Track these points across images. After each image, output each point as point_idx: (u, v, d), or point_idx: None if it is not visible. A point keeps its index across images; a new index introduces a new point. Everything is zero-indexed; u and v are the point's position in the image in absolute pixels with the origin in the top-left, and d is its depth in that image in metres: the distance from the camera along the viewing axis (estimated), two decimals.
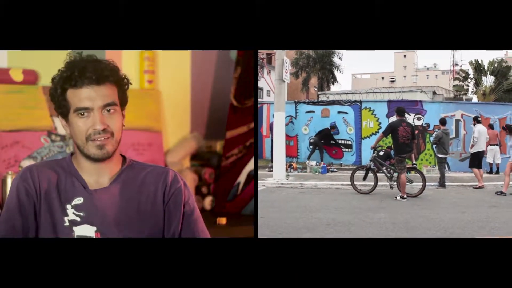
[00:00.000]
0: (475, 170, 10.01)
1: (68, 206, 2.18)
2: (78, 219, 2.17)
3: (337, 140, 14.00)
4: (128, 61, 4.16)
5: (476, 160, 10.15)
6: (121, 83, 2.22)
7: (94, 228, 2.18)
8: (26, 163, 3.73)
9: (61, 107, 2.17)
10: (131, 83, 2.29)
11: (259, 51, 15.79)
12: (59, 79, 2.15)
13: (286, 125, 12.61)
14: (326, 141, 13.71)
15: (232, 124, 4.09)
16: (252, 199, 3.96)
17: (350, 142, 13.98)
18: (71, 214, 2.17)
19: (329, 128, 13.73)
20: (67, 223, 2.17)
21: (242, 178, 4.02)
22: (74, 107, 2.12)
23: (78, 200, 2.19)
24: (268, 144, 13.67)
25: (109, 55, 4.04)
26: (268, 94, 30.59)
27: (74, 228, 2.17)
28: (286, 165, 11.82)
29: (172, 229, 2.29)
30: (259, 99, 21.88)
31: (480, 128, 10.47)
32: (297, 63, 36.29)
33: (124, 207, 2.23)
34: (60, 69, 2.17)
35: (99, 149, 2.14)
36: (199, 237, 2.35)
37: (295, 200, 8.20)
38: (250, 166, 4.00)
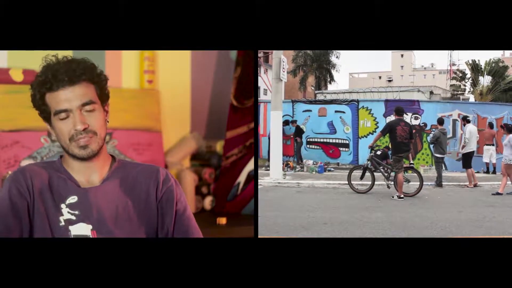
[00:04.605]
0: (469, 170, 10.05)
1: (63, 206, 2.18)
2: (73, 217, 2.18)
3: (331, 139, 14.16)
4: (128, 61, 4.16)
5: (468, 160, 10.19)
6: (97, 80, 2.23)
7: (90, 226, 2.19)
8: (26, 163, 3.72)
9: (42, 112, 2.19)
10: (108, 79, 2.30)
11: None
12: (36, 84, 2.16)
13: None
14: (300, 134, 13.85)
15: (232, 124, 4.10)
16: (252, 199, 3.98)
17: (347, 142, 14.02)
18: (66, 214, 2.17)
19: (294, 124, 13.88)
20: (62, 223, 2.16)
21: (242, 178, 4.03)
22: (53, 111, 2.14)
23: (72, 199, 2.19)
24: (265, 143, 13.68)
25: (109, 55, 4.04)
26: (265, 93, 30.55)
27: (70, 228, 2.17)
28: (283, 164, 11.84)
29: (165, 227, 2.30)
30: None
31: (471, 128, 10.50)
32: (296, 60, 36.24)
33: (118, 204, 2.24)
34: (37, 74, 2.18)
35: (83, 149, 2.15)
36: (193, 234, 2.37)
37: (292, 199, 8.22)
38: (250, 166, 4.02)
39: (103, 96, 2.26)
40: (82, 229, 2.18)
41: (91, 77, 2.20)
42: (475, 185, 9.85)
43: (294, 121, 14.05)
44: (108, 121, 2.28)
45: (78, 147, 2.15)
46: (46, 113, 2.18)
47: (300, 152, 13.77)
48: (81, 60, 2.21)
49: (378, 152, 10.73)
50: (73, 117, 2.13)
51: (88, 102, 2.16)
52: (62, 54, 2.24)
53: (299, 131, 13.89)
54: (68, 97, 2.13)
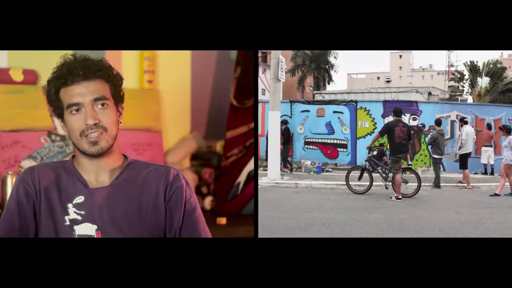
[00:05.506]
0: (466, 171, 10.08)
1: (69, 205, 2.20)
2: (79, 217, 2.19)
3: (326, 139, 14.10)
4: (128, 61, 4.17)
5: (464, 161, 10.24)
6: (112, 79, 2.25)
7: (95, 227, 2.20)
8: (26, 163, 3.73)
9: (56, 108, 2.21)
10: (123, 78, 2.33)
11: None
12: (51, 79, 2.20)
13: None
14: (288, 139, 13.06)
15: (232, 124, 4.10)
16: (252, 199, 3.98)
17: (345, 142, 14.03)
18: (72, 213, 2.19)
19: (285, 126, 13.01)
20: (67, 223, 2.18)
21: (242, 178, 4.02)
22: (66, 105, 2.16)
23: (79, 199, 2.21)
24: (263, 144, 13.65)
25: (109, 55, 4.04)
26: (263, 93, 30.52)
27: (75, 227, 2.19)
28: (281, 164, 11.83)
29: (173, 228, 2.31)
30: None
31: (468, 129, 10.56)
32: (295, 59, 36.23)
33: (125, 205, 2.25)
34: (53, 70, 2.22)
35: (92, 146, 2.17)
36: (200, 236, 2.37)
37: (290, 199, 8.22)
38: (250, 166, 4.01)
39: (117, 97, 2.28)
40: (86, 229, 2.20)
41: (106, 76, 2.23)
42: (466, 187, 9.93)
43: (285, 121, 13.10)
44: (120, 122, 2.29)
45: (88, 143, 2.16)
46: (59, 109, 2.20)
47: (286, 157, 12.78)
48: (97, 59, 2.24)
49: (375, 152, 10.75)
50: (85, 111, 2.15)
51: (101, 97, 2.18)
52: (63, 53, 2.27)
53: (287, 134, 12.90)
54: (81, 91, 2.15)
